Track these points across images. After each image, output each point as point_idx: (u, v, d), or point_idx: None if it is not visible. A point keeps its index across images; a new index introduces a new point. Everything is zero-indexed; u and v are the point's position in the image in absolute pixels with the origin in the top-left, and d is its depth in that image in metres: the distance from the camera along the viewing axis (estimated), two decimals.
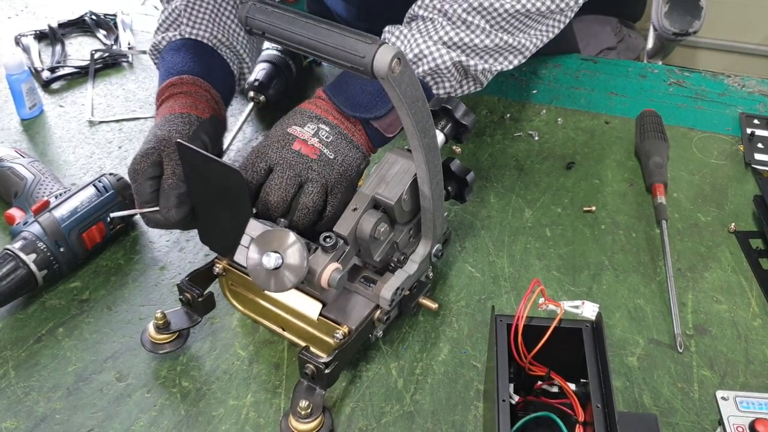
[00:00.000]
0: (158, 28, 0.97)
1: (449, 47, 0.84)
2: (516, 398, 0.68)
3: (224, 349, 0.82)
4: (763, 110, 1.16)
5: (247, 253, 0.70)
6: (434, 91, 0.87)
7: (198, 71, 0.90)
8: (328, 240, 0.71)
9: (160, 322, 0.78)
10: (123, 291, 0.88)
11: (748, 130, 1.10)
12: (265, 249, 0.68)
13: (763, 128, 1.11)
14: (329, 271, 0.70)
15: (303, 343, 0.78)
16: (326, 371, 0.71)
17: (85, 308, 0.86)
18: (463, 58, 0.85)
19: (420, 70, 0.84)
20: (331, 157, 0.79)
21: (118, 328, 0.84)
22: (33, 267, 0.84)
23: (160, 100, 0.89)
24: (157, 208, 0.79)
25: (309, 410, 0.70)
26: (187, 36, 0.94)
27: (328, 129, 0.80)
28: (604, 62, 1.29)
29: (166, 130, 0.82)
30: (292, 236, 0.68)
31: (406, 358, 0.81)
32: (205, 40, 0.94)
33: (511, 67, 0.90)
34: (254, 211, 0.79)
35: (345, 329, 0.74)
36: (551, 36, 0.92)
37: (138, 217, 0.96)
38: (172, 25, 0.96)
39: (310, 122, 0.80)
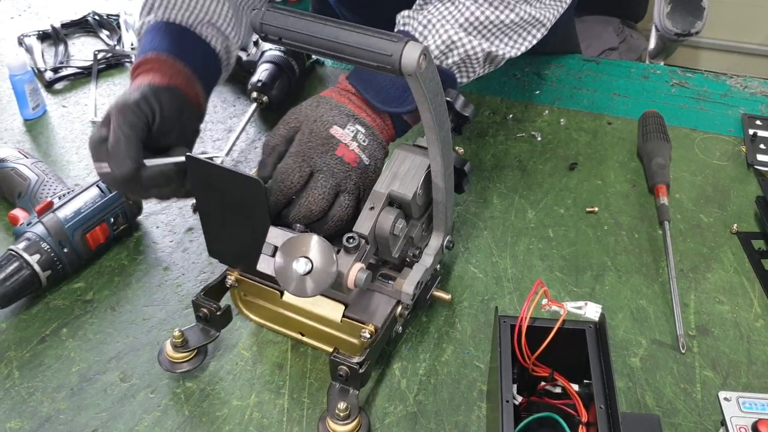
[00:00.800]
0: (140, 14, 0.95)
1: (479, 32, 0.83)
2: (519, 399, 0.69)
3: (227, 350, 0.82)
4: (766, 111, 1.16)
5: (274, 261, 0.69)
6: (459, 80, 0.86)
7: (165, 48, 0.87)
8: (351, 241, 0.71)
9: (178, 340, 0.77)
10: (127, 291, 0.89)
11: (751, 131, 1.10)
12: (294, 255, 0.68)
13: (765, 129, 1.11)
14: (355, 271, 0.71)
15: (326, 347, 0.79)
16: (361, 371, 0.71)
17: (88, 309, 0.86)
18: (493, 49, 0.85)
19: (450, 60, 0.83)
20: (367, 163, 0.78)
21: (122, 328, 0.84)
22: (37, 267, 0.84)
23: (130, 81, 0.86)
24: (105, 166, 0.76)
25: (347, 412, 0.70)
26: (160, 19, 0.92)
27: (364, 131, 0.79)
28: (606, 63, 1.29)
29: (116, 99, 0.80)
30: (318, 240, 0.68)
31: (410, 358, 0.81)
32: (178, 21, 0.92)
33: (534, 42, 0.89)
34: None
35: (371, 328, 0.74)
36: (565, 6, 0.92)
37: (142, 217, 0.97)
38: (149, 10, 0.94)
39: (350, 123, 0.78)
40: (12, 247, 0.85)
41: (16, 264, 0.84)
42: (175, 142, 0.81)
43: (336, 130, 0.77)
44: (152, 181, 0.76)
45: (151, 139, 0.78)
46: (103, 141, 0.77)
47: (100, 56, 1.28)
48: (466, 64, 0.84)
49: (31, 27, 1.36)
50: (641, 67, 1.28)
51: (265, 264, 0.72)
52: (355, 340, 0.76)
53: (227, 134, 1.11)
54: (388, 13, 0.88)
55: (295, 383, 0.78)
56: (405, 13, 0.85)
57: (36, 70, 1.24)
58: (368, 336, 0.73)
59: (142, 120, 0.76)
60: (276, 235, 0.71)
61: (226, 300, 0.81)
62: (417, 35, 0.83)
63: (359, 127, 0.79)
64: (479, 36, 0.84)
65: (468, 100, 0.83)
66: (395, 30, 0.86)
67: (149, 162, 0.76)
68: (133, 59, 1.28)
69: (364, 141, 0.78)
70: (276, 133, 0.79)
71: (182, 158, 0.74)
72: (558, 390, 0.69)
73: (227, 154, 1.07)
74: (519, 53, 0.89)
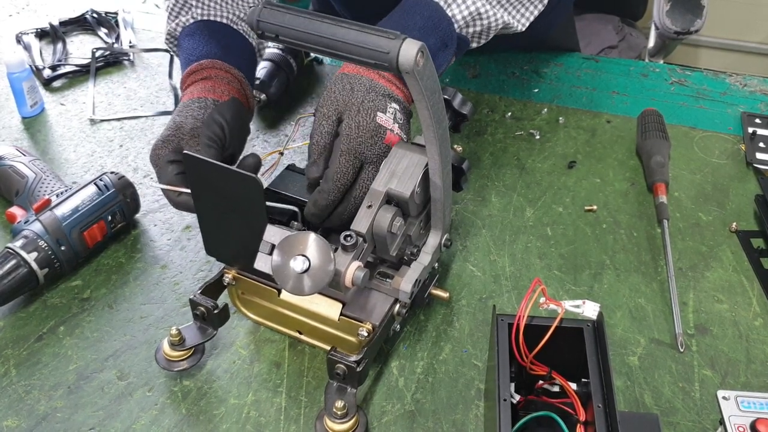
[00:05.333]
0: (169, 15, 0.96)
1: (499, 2, 0.85)
2: (517, 397, 0.68)
3: (225, 348, 0.82)
4: (765, 109, 1.16)
5: (271, 259, 0.69)
6: (448, 12, 0.84)
7: (215, 53, 0.89)
8: (348, 239, 0.71)
9: (175, 338, 0.77)
10: (124, 289, 0.88)
11: (750, 130, 1.10)
12: (291, 253, 0.68)
13: (764, 127, 1.11)
14: (352, 270, 0.70)
15: (323, 346, 0.79)
16: (358, 369, 0.71)
17: (86, 307, 0.86)
18: (508, 19, 0.86)
19: (472, 30, 0.84)
20: (405, 140, 0.79)
21: (120, 326, 0.84)
22: (34, 265, 0.84)
23: (182, 89, 0.89)
24: (186, 190, 0.79)
25: (345, 410, 0.70)
26: (199, 18, 0.93)
27: (399, 107, 0.79)
28: (605, 61, 1.28)
29: (183, 116, 0.82)
30: (316, 238, 0.68)
31: (408, 357, 0.81)
32: (218, 19, 0.93)
33: (536, 13, 0.91)
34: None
35: (369, 326, 0.74)
36: None
37: (140, 215, 0.97)
38: (182, 10, 0.95)
39: (389, 104, 0.78)
40: (9, 245, 0.85)
41: (13, 262, 0.83)
42: (237, 148, 0.85)
43: (380, 118, 0.76)
44: None
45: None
46: (172, 163, 0.81)
47: (98, 54, 1.27)
48: (484, 33, 0.85)
49: (29, 25, 1.36)
50: (640, 65, 1.28)
51: (263, 262, 0.71)
52: (352, 339, 0.76)
53: None
54: (384, 11, 0.88)
55: (293, 382, 0.78)
56: None
57: (34, 68, 1.23)
58: (366, 334, 0.73)
59: (216, 141, 0.80)
60: (273, 233, 0.71)
61: (223, 298, 0.80)
62: (442, 3, 0.84)
63: (395, 105, 0.78)
64: (500, 7, 0.84)
65: (466, 98, 0.83)
66: None
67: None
68: (131, 57, 1.28)
69: (401, 119, 0.78)
70: (321, 130, 0.78)
71: (293, 208, 0.78)
72: (556, 389, 0.68)
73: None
74: (524, 27, 0.90)
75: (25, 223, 0.87)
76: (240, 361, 0.80)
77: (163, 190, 0.82)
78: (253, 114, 0.94)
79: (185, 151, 0.72)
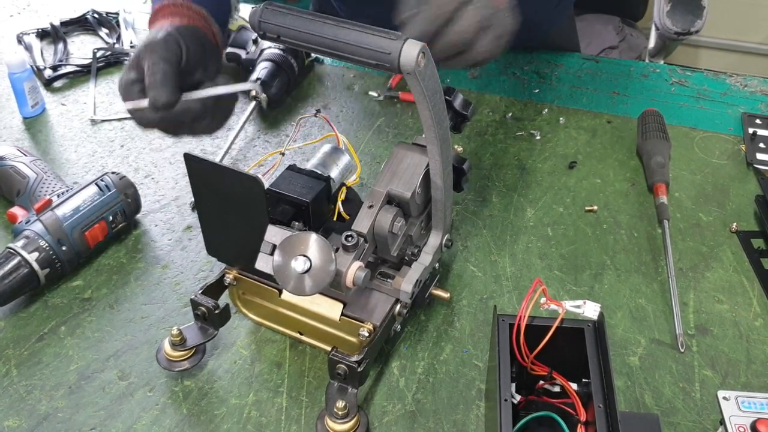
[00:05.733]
0: None
1: None
2: (518, 398, 0.69)
3: (226, 349, 0.82)
4: (765, 110, 1.16)
5: (272, 260, 0.69)
6: None
7: None
8: (350, 239, 0.71)
9: (176, 338, 0.77)
10: (125, 290, 0.88)
11: (750, 130, 1.10)
12: (292, 253, 0.68)
13: (765, 128, 1.11)
14: (353, 270, 0.70)
15: (324, 346, 0.79)
16: (359, 369, 0.71)
17: (87, 307, 0.86)
18: None
19: None
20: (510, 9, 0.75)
21: (121, 326, 0.84)
22: (35, 265, 0.84)
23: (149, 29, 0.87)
24: (145, 103, 0.76)
25: (346, 410, 0.71)
26: None
27: None
28: (606, 61, 1.29)
29: (142, 42, 0.80)
30: (317, 238, 0.68)
31: (408, 357, 0.81)
32: None
33: None
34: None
35: (369, 326, 0.74)
36: None
37: (141, 215, 0.97)
38: None
39: None
40: (10, 245, 0.85)
41: (14, 262, 0.84)
42: (200, 80, 0.81)
43: None
44: (190, 113, 0.76)
45: (179, 76, 0.78)
46: (134, 82, 0.77)
47: (99, 54, 1.27)
48: None
49: (30, 25, 1.36)
50: (641, 66, 1.28)
51: (264, 262, 0.71)
52: (353, 339, 0.76)
53: (226, 132, 1.11)
54: (384, 12, 0.87)
55: (294, 382, 0.78)
56: None
57: (35, 68, 1.23)
58: (367, 334, 0.73)
59: (174, 54, 0.77)
60: (274, 234, 0.71)
61: (224, 298, 0.80)
62: None
63: None
64: None
65: (467, 98, 0.83)
66: None
67: (189, 95, 0.76)
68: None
69: None
70: None
71: (222, 89, 0.76)
72: (557, 389, 0.68)
73: (226, 153, 1.07)
74: None
75: (27, 223, 0.87)
76: (241, 361, 0.81)
77: (129, 111, 0.79)
78: (221, 54, 0.91)
79: (186, 153, 0.72)
